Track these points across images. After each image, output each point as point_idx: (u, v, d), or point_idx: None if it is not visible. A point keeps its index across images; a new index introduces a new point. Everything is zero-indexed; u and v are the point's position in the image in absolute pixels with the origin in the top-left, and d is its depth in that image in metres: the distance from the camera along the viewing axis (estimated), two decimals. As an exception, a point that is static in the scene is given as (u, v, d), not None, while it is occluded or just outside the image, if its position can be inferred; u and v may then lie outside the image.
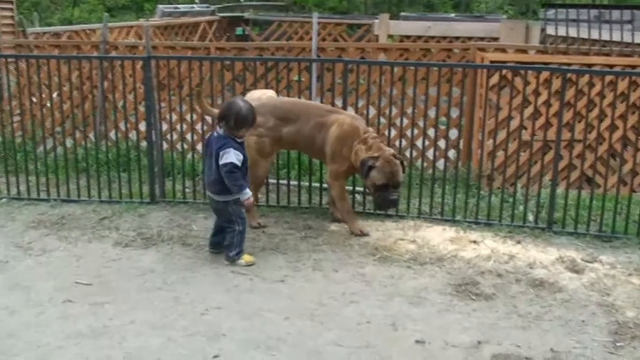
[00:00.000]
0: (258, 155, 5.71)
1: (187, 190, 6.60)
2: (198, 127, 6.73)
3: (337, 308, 4.50)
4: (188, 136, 7.38)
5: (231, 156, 4.95)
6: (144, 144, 6.82)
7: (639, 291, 4.77)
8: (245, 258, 5.15)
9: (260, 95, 6.11)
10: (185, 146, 7.17)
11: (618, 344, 4.08)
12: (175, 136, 7.57)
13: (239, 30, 15.31)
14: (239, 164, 4.97)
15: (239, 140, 5.07)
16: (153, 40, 9.29)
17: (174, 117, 7.44)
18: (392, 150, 5.62)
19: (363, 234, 5.67)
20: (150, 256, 5.27)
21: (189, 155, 6.89)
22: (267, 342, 4.06)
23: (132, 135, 7.22)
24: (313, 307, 4.51)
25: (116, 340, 4.05)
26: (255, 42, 11.23)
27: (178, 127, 7.53)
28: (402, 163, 5.59)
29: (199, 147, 6.94)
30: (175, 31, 12.40)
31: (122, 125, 7.21)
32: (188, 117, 7.34)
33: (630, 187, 5.89)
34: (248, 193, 5.03)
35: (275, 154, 6.07)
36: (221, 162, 4.97)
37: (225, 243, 5.19)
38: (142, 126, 6.80)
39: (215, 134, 5.15)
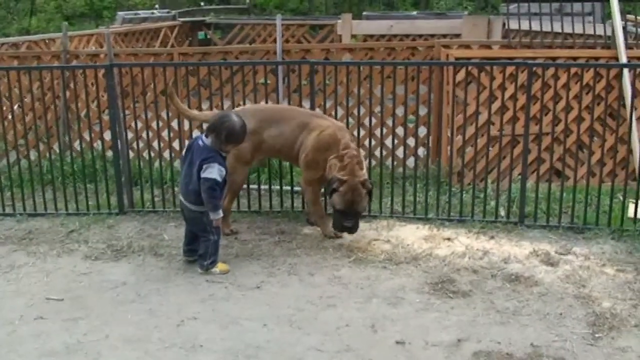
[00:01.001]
0: (236, 162, 5.55)
1: (156, 199, 6.50)
2: (164, 134, 6.63)
3: (315, 312, 4.45)
4: (154, 144, 7.31)
5: (215, 172, 4.86)
6: (109, 153, 6.70)
7: (614, 281, 4.81)
8: (220, 267, 5.07)
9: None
10: (152, 154, 7.07)
11: (597, 335, 4.09)
12: (141, 144, 7.45)
13: (200, 35, 15.18)
14: (220, 180, 4.89)
15: (223, 155, 5.00)
16: (114, 48, 9.15)
17: (139, 124, 7.32)
18: (364, 177, 5.40)
19: (337, 236, 5.61)
20: (122, 268, 5.17)
21: (157, 163, 6.78)
22: (246, 351, 4.00)
23: (97, 145, 7.09)
24: (291, 312, 4.45)
25: (91, 356, 3.95)
26: (218, 46, 11.14)
27: (143, 134, 7.42)
28: (369, 193, 5.43)
29: (166, 154, 6.86)
30: (137, 37, 12.23)
31: (86, 135, 7.07)
32: (154, 125, 7.27)
33: (600, 178, 5.93)
34: (220, 214, 4.98)
35: (255, 160, 5.88)
36: (203, 175, 4.87)
37: (199, 252, 5.11)
38: (107, 135, 6.68)
39: (200, 142, 5.01)
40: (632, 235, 5.59)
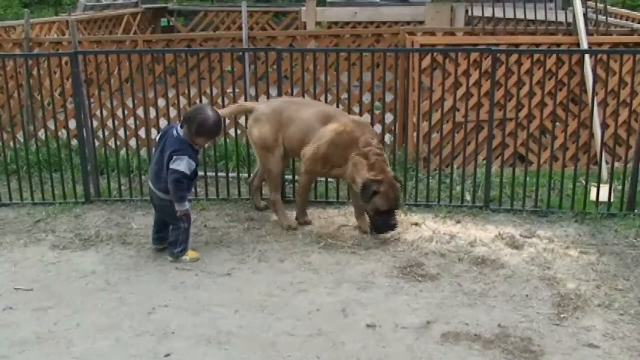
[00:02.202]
0: (262, 151, 5.60)
1: (122, 187, 6.46)
2: (130, 122, 6.59)
3: (286, 298, 4.49)
4: (120, 132, 7.27)
5: (183, 165, 4.84)
6: (74, 142, 6.64)
7: (577, 263, 4.93)
8: (190, 254, 5.07)
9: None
10: (118, 142, 7.02)
11: (562, 316, 4.20)
12: (106, 133, 7.37)
13: (163, 22, 15.01)
14: (189, 173, 4.87)
15: (196, 147, 4.97)
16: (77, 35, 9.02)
17: (104, 113, 7.25)
18: (392, 173, 5.36)
19: (291, 228, 5.57)
20: (90, 257, 5.15)
21: (122, 152, 6.74)
22: (218, 337, 4.03)
23: (62, 133, 7.01)
24: (262, 298, 4.49)
25: (63, 345, 3.94)
26: (184, 34, 11.06)
27: (109, 123, 7.35)
28: (401, 185, 5.47)
29: (132, 142, 6.81)
30: (99, 25, 12.07)
31: (50, 124, 6.99)
32: (119, 113, 7.22)
33: (563, 162, 6.05)
34: (185, 206, 4.97)
35: (281, 147, 5.60)
36: (172, 166, 4.86)
37: (169, 239, 5.10)
38: (72, 124, 6.61)
39: (174, 131, 4.97)
40: (594, 218, 5.73)
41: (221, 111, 5.95)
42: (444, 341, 3.95)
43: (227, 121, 6.39)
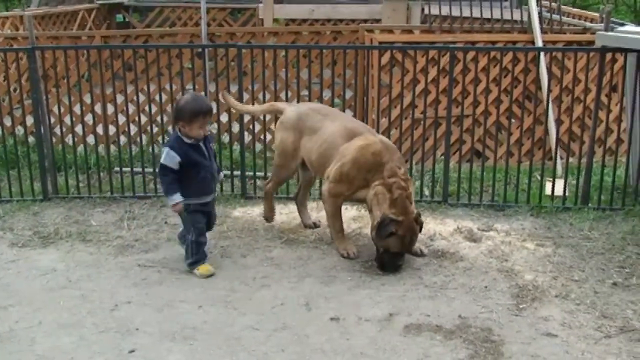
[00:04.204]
0: (281, 157, 5.37)
1: (81, 185, 6.38)
2: (88, 118, 6.52)
3: (249, 293, 4.51)
4: (77, 128, 7.18)
5: (164, 156, 4.64)
6: (31, 139, 6.54)
7: (534, 255, 5.05)
8: (201, 269, 4.77)
9: None
10: (76, 139, 6.94)
11: (521, 306, 4.31)
12: (64, 129, 7.28)
13: (118, 18, 14.83)
14: (172, 166, 4.61)
15: (187, 141, 4.65)
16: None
17: (62, 109, 7.16)
18: (416, 211, 4.86)
19: (349, 257, 5.02)
20: (50, 255, 5.09)
21: (80, 148, 6.67)
22: (182, 332, 4.03)
23: (19, 130, 6.90)
24: (225, 293, 4.50)
25: (25, 343, 3.90)
26: (142, 29, 10.94)
27: (66, 119, 7.25)
28: (420, 228, 4.92)
29: (90, 139, 6.74)
30: (53, 21, 11.88)
31: (7, 121, 6.87)
32: (76, 109, 7.13)
33: (518, 158, 6.18)
34: (174, 199, 4.66)
35: (299, 158, 5.32)
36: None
37: (180, 232, 5.02)
38: (29, 120, 6.52)
39: None
40: (549, 211, 5.87)
41: (253, 108, 5.95)
42: (407, 333, 4.02)
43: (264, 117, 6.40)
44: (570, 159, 6.37)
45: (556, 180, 6.17)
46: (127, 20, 14.66)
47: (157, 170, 4.77)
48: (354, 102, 6.60)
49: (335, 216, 5.11)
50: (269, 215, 5.63)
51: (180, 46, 7.09)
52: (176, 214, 4.91)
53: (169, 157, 4.63)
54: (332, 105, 6.31)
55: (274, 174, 5.55)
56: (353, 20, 12.18)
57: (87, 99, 6.85)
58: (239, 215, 5.85)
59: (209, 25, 8.43)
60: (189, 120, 4.60)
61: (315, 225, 5.55)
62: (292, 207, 5.95)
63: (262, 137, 6.84)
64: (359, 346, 3.88)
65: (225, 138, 7.13)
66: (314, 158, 5.17)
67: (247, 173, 6.37)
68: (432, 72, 6.95)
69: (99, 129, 6.73)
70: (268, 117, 6.59)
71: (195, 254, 4.80)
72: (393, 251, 4.77)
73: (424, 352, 3.82)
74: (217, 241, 5.31)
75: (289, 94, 6.67)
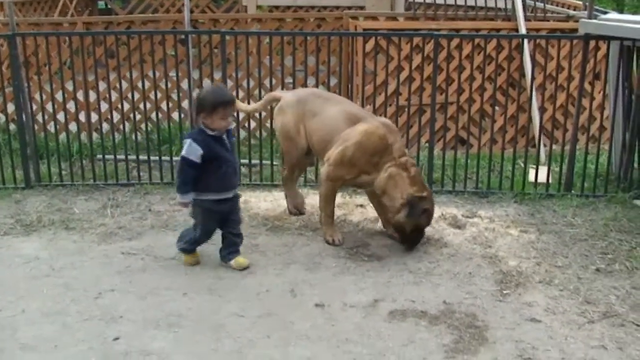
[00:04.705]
0: (284, 140, 5.30)
1: (63, 172, 6.33)
2: (70, 105, 6.46)
3: (235, 280, 4.50)
4: (59, 116, 7.11)
5: (186, 148, 4.40)
6: (13, 126, 6.48)
7: (518, 241, 5.08)
8: (187, 259, 4.71)
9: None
10: (58, 126, 6.88)
11: (505, 292, 4.33)
12: (46, 116, 7.22)
13: (100, 4, 14.70)
14: (194, 159, 4.38)
15: (210, 133, 4.42)
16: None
17: (44, 96, 7.10)
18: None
19: (334, 244, 5.00)
20: (33, 243, 5.04)
21: (62, 136, 6.61)
22: (167, 320, 4.01)
23: (0, 118, 6.82)
24: (210, 281, 4.49)
25: (8, 331, 3.86)
26: (124, 16, 10.85)
27: (48, 107, 7.19)
28: None
29: (72, 126, 6.69)
30: (34, 7, 11.75)
31: (-13, 108, 6.80)
32: (58, 96, 7.06)
33: (502, 145, 6.20)
34: (184, 198, 4.49)
35: (303, 138, 5.23)
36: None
37: (183, 230, 4.85)
38: (10, 108, 6.45)
39: None
40: (533, 198, 5.90)
41: (255, 105, 5.81)
42: (392, 318, 4.03)
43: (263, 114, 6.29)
44: (554, 146, 6.40)
45: (540, 167, 6.21)
46: (109, 6, 14.53)
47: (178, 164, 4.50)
48: (339, 90, 6.58)
49: (328, 200, 5.08)
50: (294, 205, 5.54)
51: (163, 32, 7.04)
52: (201, 229, 4.65)
53: (191, 150, 4.39)
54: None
55: (286, 162, 5.45)
56: (337, 7, 12.15)
57: (69, 86, 6.78)
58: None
59: (192, 11, 8.37)
60: (211, 111, 4.38)
61: (300, 212, 5.54)
62: (277, 194, 5.95)
63: (246, 124, 6.80)
64: (344, 332, 3.88)
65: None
66: (315, 140, 5.13)
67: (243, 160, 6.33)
68: (417, 59, 6.93)
69: (82, 116, 6.68)
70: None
71: (189, 245, 4.70)
72: (423, 227, 4.89)
73: (408, 338, 3.83)
74: (201, 228, 5.28)
75: (273, 81, 6.64)
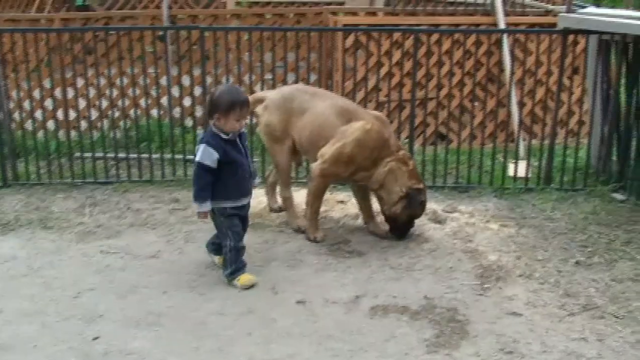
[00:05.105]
0: (269, 142, 5.18)
1: (41, 171, 6.27)
2: (47, 103, 6.39)
3: (215, 278, 4.48)
4: (37, 114, 7.04)
5: (199, 153, 4.21)
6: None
7: (498, 236, 5.10)
8: (242, 279, 4.36)
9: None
10: (35, 124, 6.81)
11: (485, 286, 4.35)
12: (23, 114, 7.14)
13: (78, 1, 14.55)
14: (210, 164, 4.19)
15: (224, 137, 4.25)
16: (-12, 14, 8.67)
17: (21, 94, 7.01)
18: None
19: (316, 241, 4.98)
20: (10, 242, 4.99)
21: (40, 134, 6.54)
22: (147, 319, 3.99)
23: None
24: (191, 278, 4.46)
25: (-14, 332, 3.83)
26: (102, 12, 10.75)
27: (25, 104, 7.10)
28: None
29: (50, 124, 6.62)
30: (11, 3, 11.62)
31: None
32: (36, 94, 6.99)
33: (482, 140, 6.23)
34: (203, 207, 4.27)
35: (290, 140, 5.13)
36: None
37: (213, 237, 4.63)
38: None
39: None
40: (512, 192, 5.93)
41: None
42: (373, 314, 4.03)
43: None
44: (533, 141, 6.44)
45: (519, 161, 6.23)
46: (86, 3, 14.38)
47: (193, 170, 4.34)
48: (319, 86, 6.57)
49: (318, 196, 5.02)
50: (272, 206, 5.53)
51: (141, 28, 6.96)
52: (232, 234, 4.41)
53: (207, 154, 4.21)
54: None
55: (276, 170, 5.36)
56: (316, 3, 12.12)
57: (46, 83, 6.71)
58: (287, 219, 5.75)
59: (170, 8, 8.31)
60: (226, 112, 4.19)
61: (281, 210, 5.51)
62: (257, 191, 5.90)
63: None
64: (326, 329, 3.88)
65: (189, 122, 7.05)
66: (305, 137, 5.02)
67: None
68: (396, 55, 6.94)
69: (59, 114, 6.61)
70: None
71: (235, 262, 4.39)
72: (417, 217, 5.01)
73: (390, 333, 3.83)
74: (181, 226, 5.26)
75: (253, 77, 6.59)
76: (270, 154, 5.31)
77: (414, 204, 4.89)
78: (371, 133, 4.84)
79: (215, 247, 4.59)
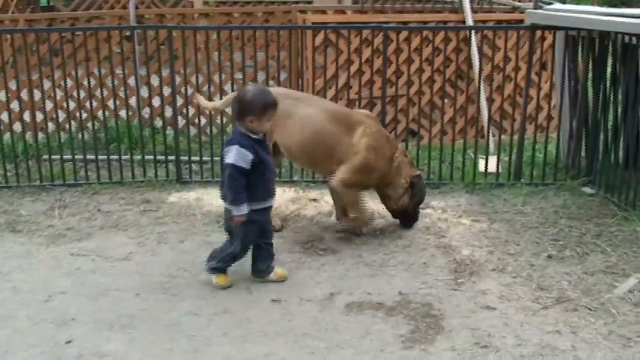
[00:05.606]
0: None
1: (9, 174, 6.17)
2: (13, 105, 6.29)
3: (188, 278, 4.44)
4: (3, 116, 6.93)
5: (232, 155, 4.07)
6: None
7: (470, 231, 5.13)
8: (221, 279, 4.33)
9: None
10: (2, 127, 6.70)
11: (459, 281, 4.37)
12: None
13: (42, 1, 14.36)
14: (244, 165, 4.08)
15: (254, 137, 4.15)
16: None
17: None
18: None
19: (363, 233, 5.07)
20: (-22, 246, 4.91)
21: (7, 136, 6.43)
22: (120, 321, 3.94)
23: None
24: (164, 280, 4.42)
25: (-45, 338, 3.75)
26: (68, 12, 10.61)
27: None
28: None
29: (17, 127, 6.51)
30: (-28, 5, 11.42)
31: None
32: (1, 96, 6.88)
33: (452, 136, 6.25)
34: (242, 210, 4.12)
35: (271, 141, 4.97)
36: (225, 160, 4.17)
37: (214, 248, 4.48)
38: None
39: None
40: (483, 188, 5.97)
41: (216, 103, 5.64)
42: (349, 311, 4.03)
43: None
44: (503, 136, 6.49)
45: (489, 157, 6.27)
46: (51, 3, 14.21)
47: (225, 173, 4.17)
48: (289, 84, 6.55)
49: (358, 205, 4.98)
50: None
51: (108, 28, 6.87)
52: (240, 245, 4.30)
53: (241, 156, 4.08)
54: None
55: None
56: (284, 2, 12.11)
57: (12, 85, 6.60)
58: (175, 201, 5.75)
59: (137, 7, 8.22)
60: (260, 113, 4.10)
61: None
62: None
63: (196, 121, 6.73)
64: (301, 327, 3.86)
65: (158, 123, 7.00)
66: (295, 142, 4.90)
67: (181, 158, 6.26)
68: (366, 53, 6.95)
69: (26, 116, 6.51)
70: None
71: (224, 263, 4.34)
72: (421, 202, 5.20)
73: (365, 330, 3.83)
74: (153, 227, 5.21)
75: (223, 76, 6.55)
76: None
77: (419, 191, 5.09)
78: (375, 134, 4.88)
79: (264, 264, 4.41)
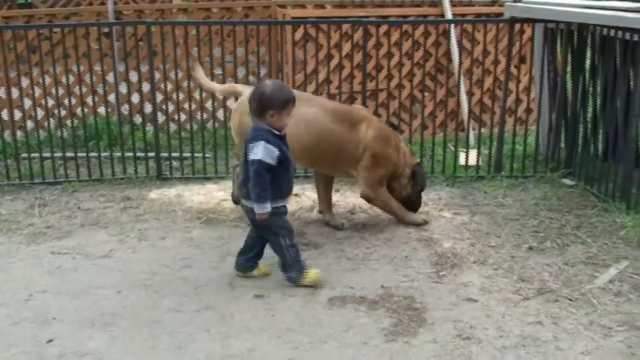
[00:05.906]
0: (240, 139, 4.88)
1: (-14, 173, 6.12)
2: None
3: (170, 275, 4.42)
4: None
5: (260, 151, 3.99)
6: None
7: (452, 224, 5.15)
8: (310, 276, 4.24)
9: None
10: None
11: (441, 273, 4.39)
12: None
13: (19, -1, 14.20)
14: (271, 162, 4.02)
15: (277, 133, 4.09)
16: None
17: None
18: None
19: (425, 223, 5.13)
20: (-43, 246, 4.86)
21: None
22: (102, 319, 3.91)
23: None
24: (145, 277, 4.40)
25: None
26: (45, 9, 10.51)
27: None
28: None
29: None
30: (-53, 2, 11.27)
31: None
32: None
33: (433, 130, 6.28)
34: (265, 208, 4.05)
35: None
36: (249, 157, 4.06)
37: (280, 262, 4.32)
38: None
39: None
40: (464, 181, 6.00)
41: (213, 85, 5.56)
42: (331, 305, 4.03)
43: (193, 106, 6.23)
44: (483, 130, 6.51)
45: (469, 150, 6.30)
46: (29, 1, 14.05)
47: (251, 170, 4.07)
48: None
49: (389, 203, 5.08)
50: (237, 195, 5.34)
51: (86, 24, 6.82)
52: (285, 232, 4.25)
53: (268, 152, 4.01)
54: (247, 83, 6.24)
55: (238, 157, 5.25)
56: (264, -3, 12.05)
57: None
58: (156, 197, 5.73)
59: (115, 3, 8.15)
60: (280, 108, 4.05)
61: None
62: (210, 187, 5.90)
63: (175, 117, 6.69)
64: (285, 322, 3.86)
65: (138, 119, 6.95)
66: (299, 145, 4.73)
67: (162, 154, 6.23)
68: (346, 47, 6.94)
69: (4, 114, 6.45)
70: (182, 96, 6.45)
71: (296, 261, 4.25)
72: (424, 188, 5.25)
73: (348, 324, 3.83)
74: (133, 224, 5.19)
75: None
76: (238, 153, 5.14)
77: (421, 179, 5.15)
78: (379, 126, 5.00)
79: (251, 262, 4.37)
